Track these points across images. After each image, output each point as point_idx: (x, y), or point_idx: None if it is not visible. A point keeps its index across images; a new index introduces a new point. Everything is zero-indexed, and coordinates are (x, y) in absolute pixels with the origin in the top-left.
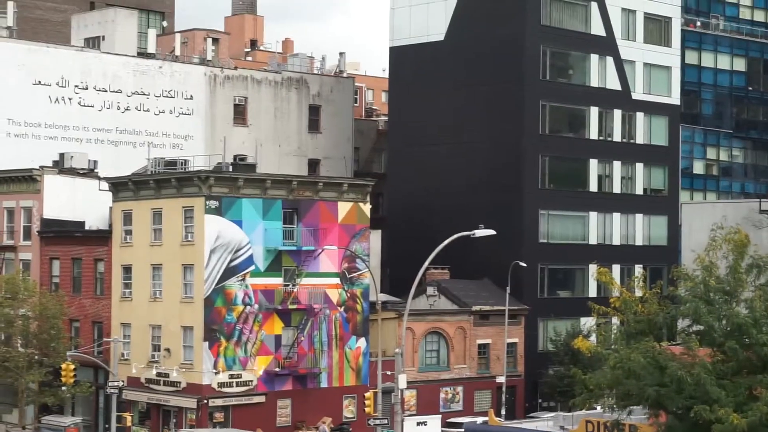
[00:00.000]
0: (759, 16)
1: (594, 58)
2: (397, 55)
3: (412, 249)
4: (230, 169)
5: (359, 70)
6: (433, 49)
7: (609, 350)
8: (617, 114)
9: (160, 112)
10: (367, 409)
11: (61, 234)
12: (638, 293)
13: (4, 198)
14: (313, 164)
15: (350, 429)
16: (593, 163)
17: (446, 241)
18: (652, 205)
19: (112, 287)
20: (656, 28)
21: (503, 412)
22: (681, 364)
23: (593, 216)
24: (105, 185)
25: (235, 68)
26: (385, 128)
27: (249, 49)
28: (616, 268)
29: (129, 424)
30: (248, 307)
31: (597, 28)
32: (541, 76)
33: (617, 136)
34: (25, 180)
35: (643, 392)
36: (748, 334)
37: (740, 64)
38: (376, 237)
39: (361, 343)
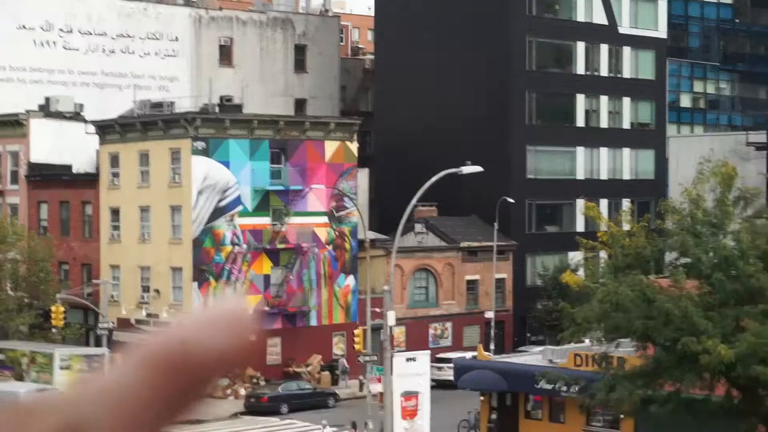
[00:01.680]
0: None
1: None
2: None
3: (400, 187)
4: (217, 110)
5: (345, 9)
6: None
7: (597, 284)
8: (604, 49)
9: (145, 54)
10: (356, 346)
11: (49, 178)
12: (626, 227)
13: None
14: (300, 104)
15: (342, 366)
16: (580, 98)
17: (433, 178)
18: (640, 139)
19: (100, 230)
20: None
21: (492, 347)
22: (668, 297)
23: (580, 151)
24: (91, 128)
25: (220, 9)
26: (372, 67)
27: None
28: (604, 203)
29: None
30: (237, 247)
31: None
32: (527, 11)
33: (604, 71)
34: (11, 124)
35: (630, 325)
36: (735, 266)
37: None
38: (363, 175)
39: (350, 281)
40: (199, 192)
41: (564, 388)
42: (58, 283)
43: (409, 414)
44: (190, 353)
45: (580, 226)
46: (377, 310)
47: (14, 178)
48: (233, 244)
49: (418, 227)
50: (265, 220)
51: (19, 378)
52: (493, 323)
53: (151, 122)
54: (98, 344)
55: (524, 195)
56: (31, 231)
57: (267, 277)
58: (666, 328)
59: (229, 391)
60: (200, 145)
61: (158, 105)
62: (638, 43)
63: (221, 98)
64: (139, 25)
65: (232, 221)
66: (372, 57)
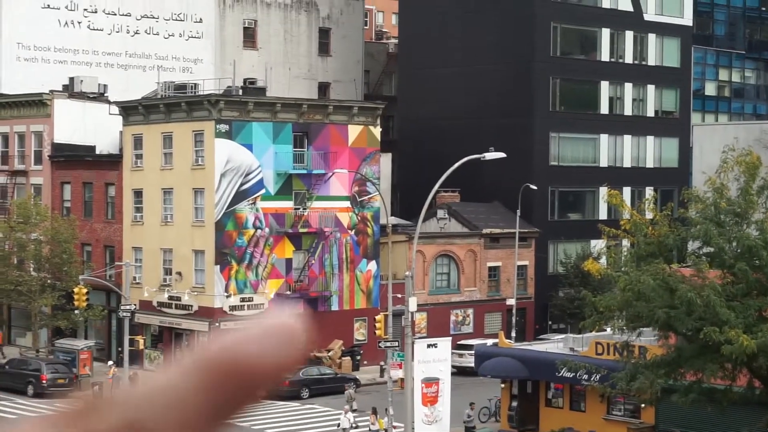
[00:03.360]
0: None
1: None
2: None
3: (423, 172)
4: (240, 92)
5: None
6: None
7: (619, 272)
8: (629, 35)
9: (169, 35)
10: (377, 332)
11: (72, 158)
12: (649, 215)
13: (15, 122)
14: (323, 87)
15: (361, 351)
16: (604, 85)
17: (456, 164)
18: (664, 127)
19: (123, 211)
20: None
21: (513, 334)
22: (691, 286)
23: (604, 138)
24: (115, 109)
25: None
26: (396, 51)
27: None
28: (627, 191)
29: (142, 347)
30: (259, 231)
31: None
32: None
33: (629, 58)
34: (35, 104)
35: (652, 314)
36: (759, 255)
37: None
38: (386, 160)
39: (372, 266)
40: (222, 175)
41: (585, 377)
42: (81, 265)
43: (430, 400)
44: (242, 363)
45: (602, 214)
46: (399, 295)
47: (38, 159)
48: (255, 227)
49: (441, 213)
50: (287, 204)
51: None
52: (514, 310)
53: (174, 104)
54: (120, 326)
55: (547, 182)
56: (55, 212)
57: (289, 261)
58: (688, 318)
59: None
60: (223, 127)
61: (182, 87)
62: (663, 30)
63: (245, 81)
64: (164, 6)
65: (255, 205)
66: (396, 41)
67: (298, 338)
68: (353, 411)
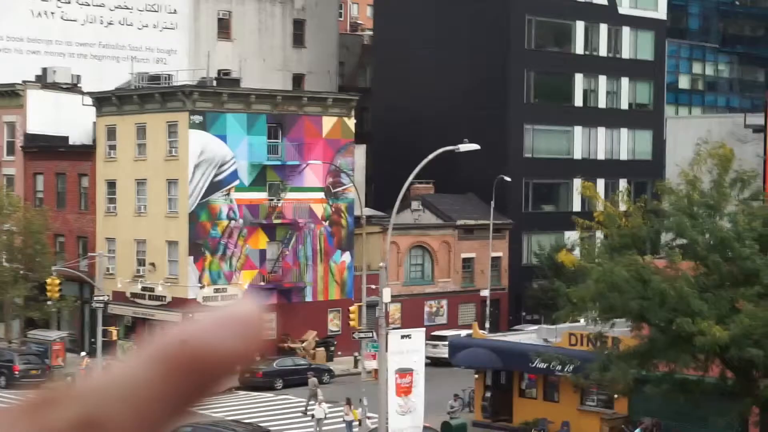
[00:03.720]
0: None
1: None
2: None
3: (397, 163)
4: (214, 84)
5: None
6: None
7: (592, 264)
8: (603, 28)
9: (143, 26)
10: (351, 323)
11: (45, 149)
12: (622, 207)
13: None
14: (298, 79)
15: (335, 342)
16: (579, 78)
17: (430, 156)
18: (637, 119)
19: (96, 202)
20: None
21: (487, 325)
22: (664, 278)
23: (578, 130)
24: (88, 100)
25: None
26: (370, 43)
27: None
28: (601, 183)
29: (115, 337)
30: (233, 222)
31: None
32: None
33: (603, 51)
34: (8, 95)
35: (625, 305)
36: (731, 247)
37: None
38: (360, 151)
39: (346, 257)
40: (196, 166)
41: (559, 368)
42: (54, 256)
43: (404, 391)
44: (198, 352)
45: (576, 206)
46: (373, 286)
47: (10, 149)
48: (229, 218)
49: (415, 204)
50: (261, 195)
51: None
52: (488, 301)
53: (148, 95)
54: (93, 317)
55: (521, 174)
56: (27, 202)
57: (263, 252)
58: (661, 309)
59: None
60: (197, 118)
61: (156, 78)
62: (638, 23)
63: (219, 72)
64: None
65: (229, 196)
66: (371, 33)
67: (257, 328)
68: (317, 401)
